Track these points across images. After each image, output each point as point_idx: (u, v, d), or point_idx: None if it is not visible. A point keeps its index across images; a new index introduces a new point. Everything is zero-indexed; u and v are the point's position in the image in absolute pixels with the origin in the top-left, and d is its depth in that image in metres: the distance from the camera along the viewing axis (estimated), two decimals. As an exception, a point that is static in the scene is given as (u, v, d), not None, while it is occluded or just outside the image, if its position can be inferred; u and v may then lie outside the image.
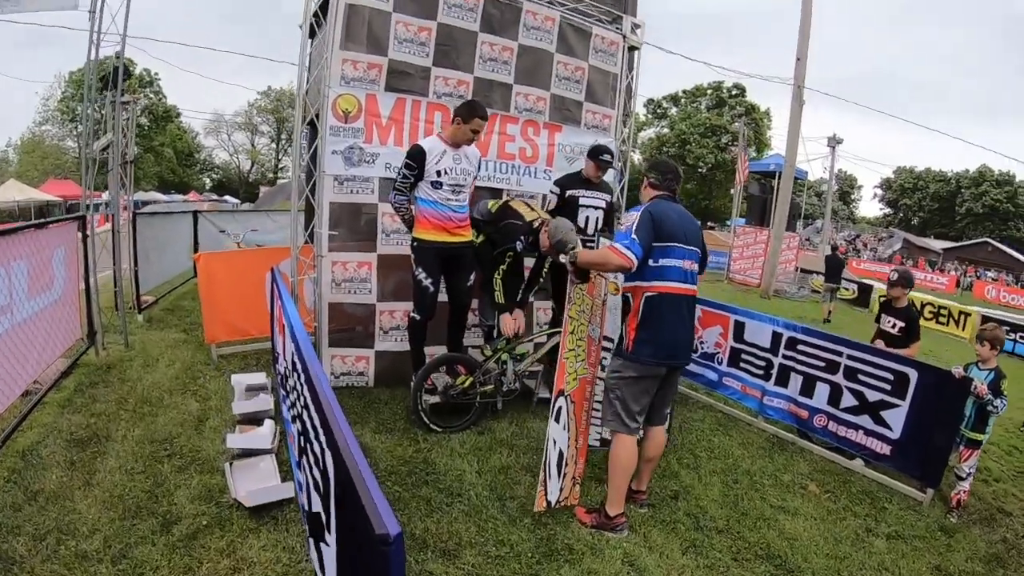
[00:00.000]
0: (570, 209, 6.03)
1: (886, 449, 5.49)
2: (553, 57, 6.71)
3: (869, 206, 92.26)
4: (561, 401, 4.29)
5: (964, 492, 5.24)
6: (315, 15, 5.82)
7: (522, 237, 5.44)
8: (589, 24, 6.90)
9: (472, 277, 5.71)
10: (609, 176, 6.72)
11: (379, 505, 1.60)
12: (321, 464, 2.27)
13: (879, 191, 79.11)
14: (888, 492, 5.39)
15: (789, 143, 20.37)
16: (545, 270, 5.83)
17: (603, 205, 6.19)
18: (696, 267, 4.24)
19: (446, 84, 6.16)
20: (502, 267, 5.51)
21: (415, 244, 5.41)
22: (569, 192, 6.09)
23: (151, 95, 57.14)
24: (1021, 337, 16.21)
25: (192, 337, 7.89)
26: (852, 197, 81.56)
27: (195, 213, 12.93)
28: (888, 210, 78.25)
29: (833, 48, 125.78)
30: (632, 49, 7.40)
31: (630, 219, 4.01)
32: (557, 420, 4.28)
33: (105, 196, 9.15)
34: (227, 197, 55.42)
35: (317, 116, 5.88)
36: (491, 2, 6.25)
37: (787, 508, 4.84)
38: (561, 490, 4.37)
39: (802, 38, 19.42)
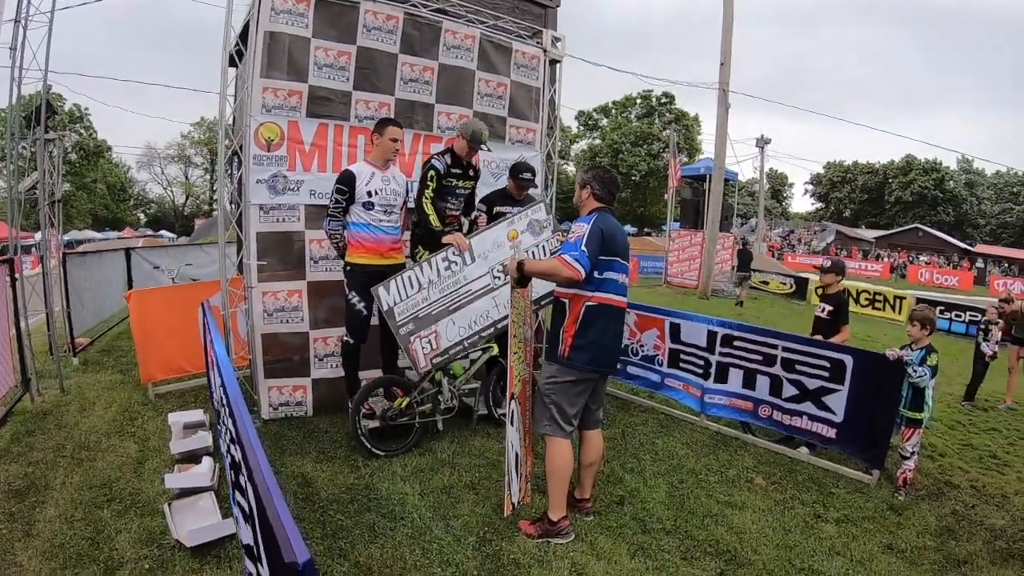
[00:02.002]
0: None
1: (832, 433, 5.64)
2: (475, 75, 6.77)
3: (801, 202, 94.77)
4: (513, 404, 4.35)
5: (910, 470, 5.35)
6: (237, 43, 5.77)
7: (437, 156, 5.63)
8: (509, 40, 6.99)
9: None
10: (535, 190, 6.79)
11: (289, 533, 1.60)
12: (246, 495, 2.26)
13: (810, 187, 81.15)
14: (835, 478, 5.49)
15: (717, 145, 20.82)
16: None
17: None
18: (627, 279, 4.32)
19: (367, 107, 6.16)
20: (427, 192, 5.57)
21: (348, 268, 5.43)
22: (496, 208, 6.16)
23: (81, 131, 55.76)
24: (956, 316, 16.78)
25: (129, 378, 7.69)
26: (784, 194, 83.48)
27: (127, 251, 12.65)
28: (820, 204, 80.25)
29: (757, 52, 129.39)
30: (554, 62, 7.51)
31: (580, 231, 4.06)
32: (512, 423, 4.34)
33: (38, 236, 8.95)
34: (163, 232, 54.29)
35: (241, 146, 5.83)
36: (410, 23, 6.27)
37: (734, 503, 4.90)
38: (520, 490, 4.47)
39: (725, 43, 19.89)
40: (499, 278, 5.42)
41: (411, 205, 5.82)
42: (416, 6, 6.33)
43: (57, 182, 9.49)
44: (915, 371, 5.22)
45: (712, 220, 21.14)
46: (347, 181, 5.27)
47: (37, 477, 4.81)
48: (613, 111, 67.99)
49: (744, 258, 20.92)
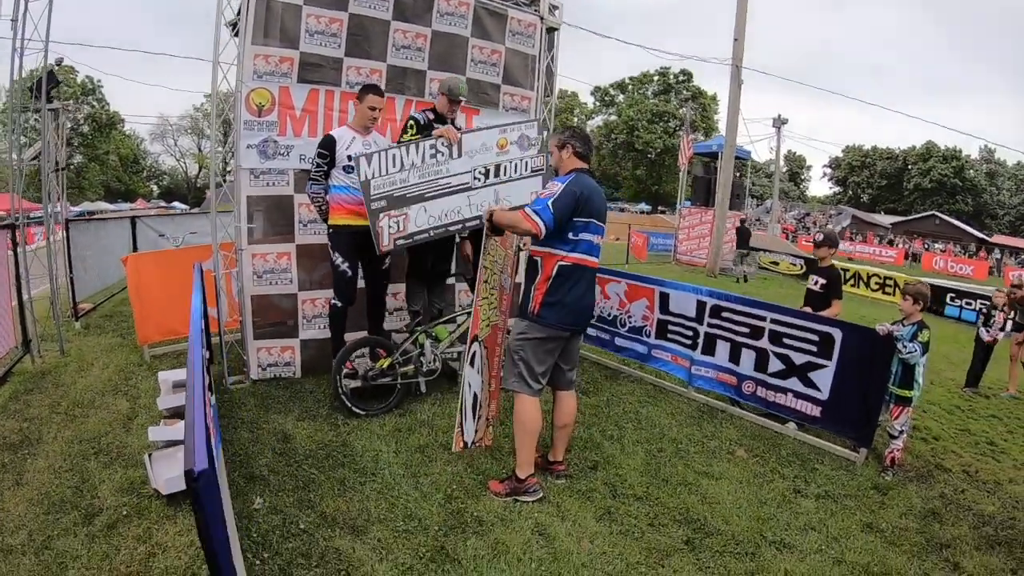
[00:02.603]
0: None
1: (816, 411, 5.59)
2: (468, 41, 6.75)
3: (819, 185, 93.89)
4: (475, 347, 4.47)
5: (898, 450, 5.28)
6: (236, 16, 5.81)
7: (422, 112, 5.75)
8: (505, 7, 6.95)
9: (388, 260, 5.83)
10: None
11: (196, 445, 1.67)
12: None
13: (828, 170, 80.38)
14: (820, 454, 5.45)
15: (729, 123, 20.70)
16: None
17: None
18: (602, 240, 4.37)
19: (359, 73, 6.17)
20: (403, 138, 5.69)
21: (331, 230, 5.53)
22: None
23: (94, 103, 55.99)
24: (967, 303, 16.67)
25: (128, 341, 7.83)
26: (802, 177, 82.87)
27: (133, 219, 12.75)
28: (837, 189, 79.53)
29: (776, 33, 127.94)
30: (551, 30, 7.48)
31: (553, 189, 4.11)
32: (472, 364, 4.46)
33: (64, 210, 9.09)
34: (175, 203, 54.48)
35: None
36: (403, -11, 6.27)
37: (711, 473, 4.89)
38: (476, 431, 4.67)
39: (739, 19, 19.70)
40: (479, 180, 5.48)
41: None
42: (410, -27, 6.30)
43: (61, 151, 9.56)
44: (905, 347, 5.14)
45: (722, 198, 21.06)
46: (328, 146, 5.38)
47: (31, 432, 4.95)
48: (630, 87, 67.62)
49: (743, 235, 21.97)
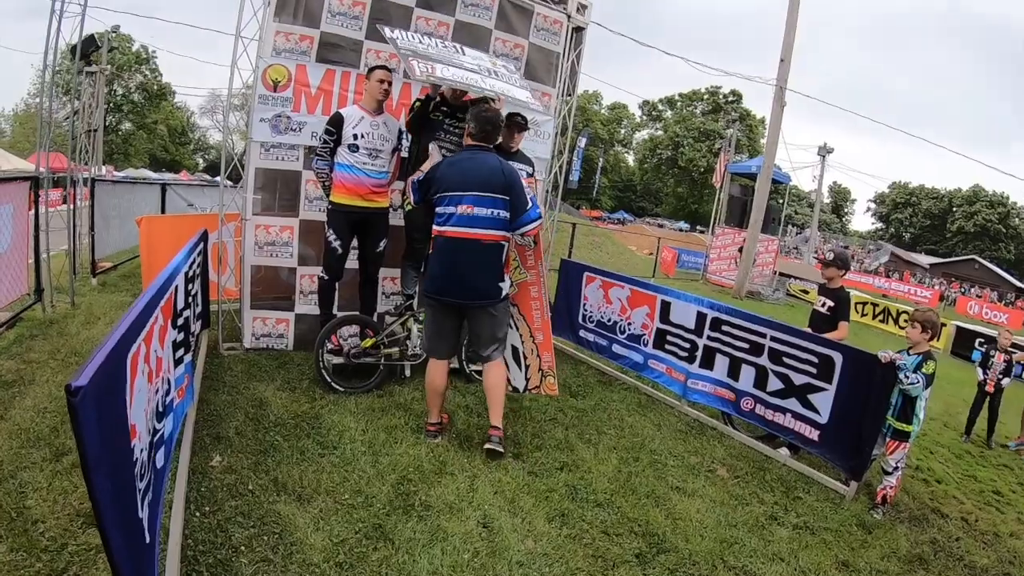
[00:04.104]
0: None
1: (815, 434, 5.34)
2: (491, 33, 6.76)
3: (862, 220, 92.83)
4: None
5: (891, 488, 4.97)
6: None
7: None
8: (532, 3, 6.94)
9: (383, 243, 5.86)
10: (542, 150, 7.08)
11: (91, 362, 1.72)
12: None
13: (872, 205, 79.34)
14: (807, 483, 5.18)
15: (768, 144, 20.49)
16: None
17: (523, 176, 6.17)
18: (486, 211, 4.53)
19: (378, 57, 6.20)
20: (406, 113, 5.85)
21: (330, 207, 5.59)
22: None
23: (147, 72, 57.00)
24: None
25: (139, 300, 7.97)
26: (845, 210, 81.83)
27: (163, 186, 13.01)
28: (880, 224, 78.43)
29: (831, 64, 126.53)
30: (578, 29, 7.47)
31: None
32: None
33: (93, 171, 9.29)
34: (218, 178, 55.27)
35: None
36: (429, -23, 6.31)
37: (685, 489, 4.68)
38: (528, 379, 5.51)
39: (787, 39, 19.48)
40: (483, 74, 5.63)
41: (404, 154, 5.91)
42: (436, -38, 6.35)
43: (95, 114, 9.77)
44: (907, 377, 4.79)
45: (755, 219, 20.83)
46: (335, 123, 5.43)
47: (26, 373, 5.10)
48: (679, 103, 67.39)
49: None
